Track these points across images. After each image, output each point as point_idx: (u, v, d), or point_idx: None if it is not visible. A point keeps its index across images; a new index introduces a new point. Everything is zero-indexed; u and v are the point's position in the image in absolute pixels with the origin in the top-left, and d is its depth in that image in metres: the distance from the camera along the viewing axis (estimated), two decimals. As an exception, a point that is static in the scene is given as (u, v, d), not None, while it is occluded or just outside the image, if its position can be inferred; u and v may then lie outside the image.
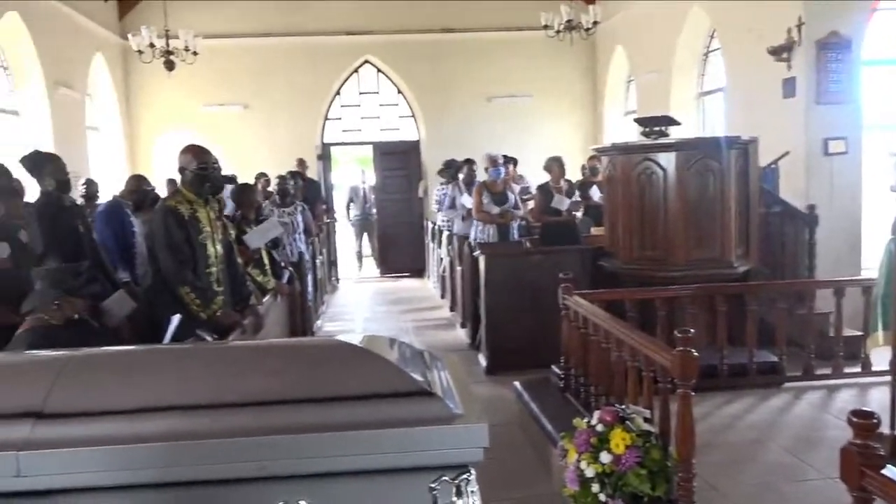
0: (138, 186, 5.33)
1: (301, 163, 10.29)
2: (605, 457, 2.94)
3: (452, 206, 8.43)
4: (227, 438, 1.26)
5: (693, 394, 2.88)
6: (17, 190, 5.16)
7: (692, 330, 2.96)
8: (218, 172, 3.89)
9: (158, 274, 3.73)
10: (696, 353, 2.84)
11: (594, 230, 7.49)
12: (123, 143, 10.95)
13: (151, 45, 8.85)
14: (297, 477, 1.27)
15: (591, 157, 8.52)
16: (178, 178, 3.94)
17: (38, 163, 4.29)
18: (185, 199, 3.75)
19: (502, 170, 7.42)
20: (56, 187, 4.25)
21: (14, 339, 2.86)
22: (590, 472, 2.97)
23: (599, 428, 3.04)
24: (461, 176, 8.43)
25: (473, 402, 1.36)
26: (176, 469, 1.25)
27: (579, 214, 7.51)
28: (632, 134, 10.25)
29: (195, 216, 3.74)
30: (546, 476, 3.96)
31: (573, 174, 8.93)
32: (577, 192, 7.53)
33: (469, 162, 8.51)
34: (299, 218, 7.33)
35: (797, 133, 6.62)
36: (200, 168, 3.74)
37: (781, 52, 6.70)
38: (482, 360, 6.26)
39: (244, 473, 1.26)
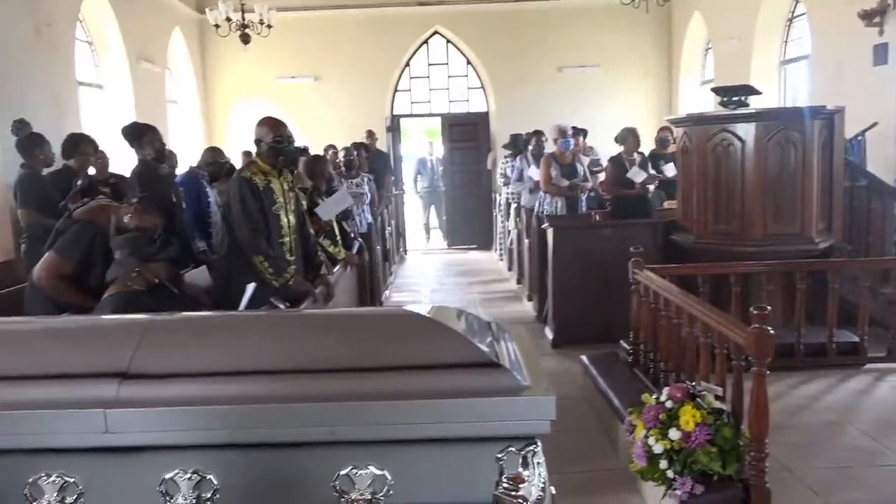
0: (214, 158, 5.51)
1: (370, 134, 10.38)
2: (673, 433, 2.90)
3: (520, 178, 8.37)
4: (299, 403, 1.30)
5: (768, 373, 2.80)
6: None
7: (769, 307, 2.87)
8: (292, 145, 3.97)
9: (234, 243, 3.85)
10: (772, 331, 2.75)
11: (666, 204, 7.30)
12: (200, 116, 11.27)
13: (228, 19, 9.04)
14: (365, 443, 1.30)
15: (662, 129, 8.30)
16: (252, 149, 4.06)
17: (138, 133, 4.63)
18: (260, 170, 3.86)
19: (571, 141, 7.30)
20: (154, 157, 4.58)
21: (100, 304, 3.01)
22: (658, 449, 2.94)
23: (669, 404, 3.00)
24: (530, 148, 8.34)
25: (541, 374, 1.36)
26: (250, 431, 1.30)
27: (652, 188, 7.33)
28: (707, 104, 9.88)
29: (269, 187, 3.84)
30: (612, 451, 3.94)
31: (646, 146, 8.73)
32: (649, 165, 7.35)
33: (537, 133, 8.41)
34: (366, 188, 7.42)
35: (887, 103, 6.27)
36: (276, 141, 3.84)
37: (873, 16, 6.33)
38: (549, 334, 6.24)
39: (315, 438, 1.30)
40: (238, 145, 10.03)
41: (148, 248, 3.15)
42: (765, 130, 4.90)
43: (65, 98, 6.86)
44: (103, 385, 1.34)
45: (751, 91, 5.35)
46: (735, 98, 5.26)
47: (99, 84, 8.52)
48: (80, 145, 4.94)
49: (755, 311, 2.81)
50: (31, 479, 1.31)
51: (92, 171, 5.29)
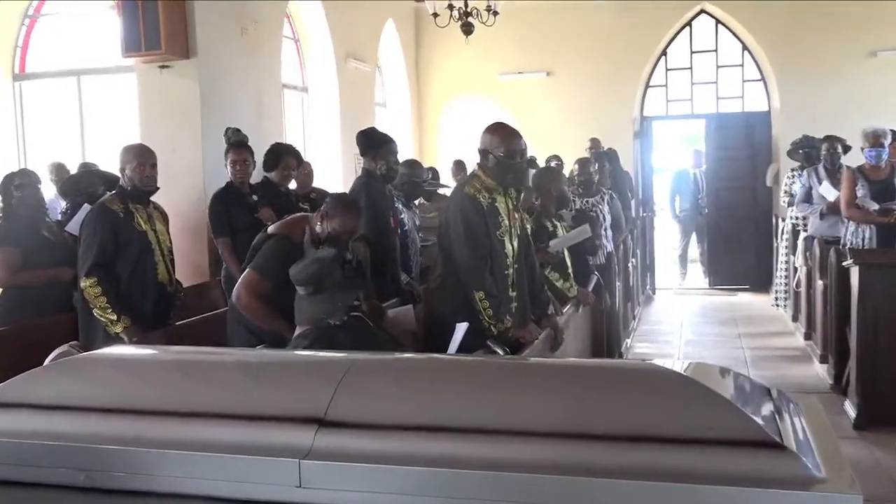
0: (411, 175, 5.67)
1: (595, 144, 10.22)
2: None
3: (809, 198, 7.85)
4: (517, 473, 1.31)
5: None
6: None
7: None
8: (524, 161, 4.03)
9: (448, 274, 3.96)
10: None
11: None
12: (410, 120, 11.93)
13: (450, 6, 9.48)
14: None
15: None
16: (466, 158, 4.19)
17: (378, 141, 5.03)
18: (484, 185, 3.92)
19: (887, 150, 6.72)
20: (385, 174, 4.92)
21: (295, 338, 3.27)
22: None
23: None
24: (822, 158, 7.80)
25: (841, 463, 1.26)
26: (454, 500, 1.33)
27: None
28: None
29: (494, 206, 3.90)
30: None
31: None
32: None
33: (830, 140, 7.83)
34: (606, 209, 7.34)
35: None
36: (507, 155, 3.85)
37: None
38: (850, 410, 5.75)
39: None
40: (449, 152, 10.41)
41: (337, 273, 3.32)
42: None
43: (268, 102, 7.59)
44: (298, 431, 1.45)
45: None
46: None
47: (303, 87, 9.35)
48: (283, 157, 5.37)
49: None
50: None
51: (293, 185, 5.77)
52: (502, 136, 3.91)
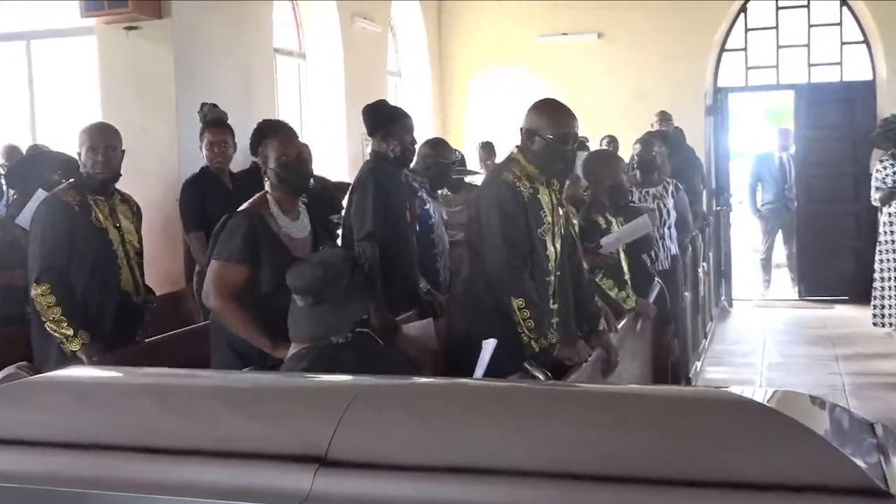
0: (436, 157, 5.64)
1: (663, 117, 10.07)
2: None
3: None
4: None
5: None
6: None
7: None
8: (574, 151, 4.03)
9: (477, 276, 3.96)
10: None
11: None
12: (430, 93, 11.94)
13: (478, -47, 9.50)
14: None
15: None
16: (495, 139, 4.18)
17: (389, 117, 5.01)
18: (525, 173, 3.92)
19: None
20: (399, 155, 4.89)
21: (288, 360, 3.28)
22: None
23: None
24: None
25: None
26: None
27: None
28: None
29: (535, 198, 3.89)
30: None
31: None
32: None
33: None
34: (670, 203, 7.29)
35: None
36: (558, 139, 3.84)
37: None
38: (973, 450, 5.70)
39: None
40: (477, 131, 10.38)
41: (344, 276, 3.31)
42: None
43: (257, 71, 7.59)
44: (295, 472, 1.46)
45: None
46: None
47: (300, 52, 9.37)
48: (272, 136, 5.36)
49: None
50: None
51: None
52: (554, 117, 3.91)
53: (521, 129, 3.97)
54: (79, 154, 4.31)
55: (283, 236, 3.79)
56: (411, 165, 5.60)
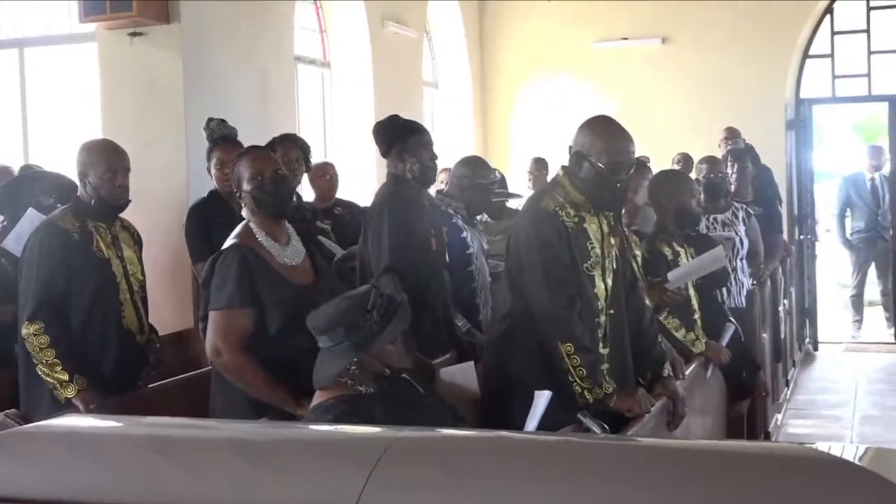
0: (473, 178, 5.55)
1: (731, 134, 9.97)
2: None
3: None
4: None
5: None
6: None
7: None
8: (626, 183, 4.00)
9: (520, 315, 3.94)
10: None
11: None
12: (471, 106, 11.94)
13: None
14: None
15: None
16: (549, 156, 4.15)
17: (401, 132, 4.98)
18: (569, 199, 3.90)
19: None
20: (419, 175, 4.87)
21: (313, 408, 3.28)
22: None
23: None
24: None
25: None
26: None
27: None
28: None
29: (582, 228, 3.87)
30: None
31: None
32: None
33: None
34: (741, 230, 7.24)
35: None
36: (609, 168, 3.80)
37: None
38: None
39: None
40: (523, 149, 10.35)
41: (360, 320, 3.29)
42: None
43: (276, 82, 7.63)
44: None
45: None
46: None
47: (325, 61, 9.41)
48: (277, 147, 5.26)
49: None
50: None
51: (308, 193, 5.77)
52: (607, 140, 3.87)
53: (571, 151, 3.94)
54: (82, 176, 4.32)
55: (279, 267, 3.79)
56: (445, 189, 5.57)
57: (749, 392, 5.96)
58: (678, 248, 5.31)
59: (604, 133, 3.91)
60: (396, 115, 5.09)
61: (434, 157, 5.00)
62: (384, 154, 5.01)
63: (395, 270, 4.58)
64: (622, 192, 4.04)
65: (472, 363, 4.10)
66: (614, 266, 4.00)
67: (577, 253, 3.84)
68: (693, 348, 5.05)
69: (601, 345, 3.92)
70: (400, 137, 4.94)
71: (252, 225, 3.82)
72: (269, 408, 3.64)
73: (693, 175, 7.55)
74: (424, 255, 4.85)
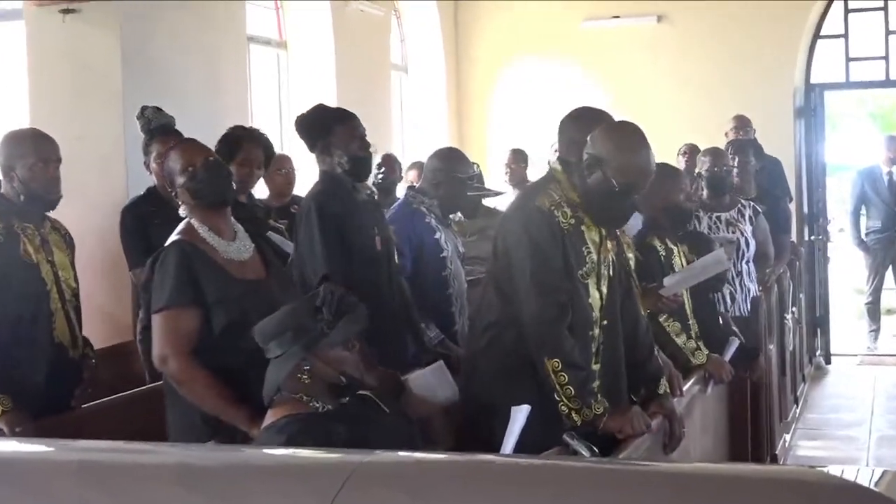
0: (448, 172, 5.51)
1: (741, 123, 9.95)
2: None
3: None
4: None
5: None
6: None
7: None
8: (633, 203, 4.00)
9: (505, 326, 3.94)
10: None
11: None
12: (445, 92, 11.91)
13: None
14: None
15: None
16: (528, 147, 4.15)
17: (321, 126, 4.91)
18: (566, 198, 3.90)
19: None
20: (349, 167, 4.82)
21: (263, 435, 3.28)
22: None
23: None
24: None
25: None
26: None
27: None
28: None
29: (579, 230, 3.88)
30: None
31: None
32: None
33: None
34: (748, 230, 7.27)
35: None
36: (623, 188, 3.79)
37: None
38: None
39: None
40: (503, 140, 10.32)
41: (312, 326, 3.29)
42: None
43: (225, 64, 7.59)
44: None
45: None
46: None
47: (280, 41, 9.36)
48: (242, 145, 5.33)
49: None
50: None
51: (262, 190, 5.74)
52: (630, 157, 3.86)
53: (559, 142, 3.94)
54: (9, 169, 4.28)
55: (223, 262, 3.81)
56: (417, 185, 5.52)
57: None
58: (671, 246, 5.32)
59: (627, 148, 3.88)
60: (319, 105, 5.02)
61: (366, 145, 4.93)
62: (310, 150, 4.96)
63: (331, 279, 4.47)
64: (626, 215, 4.07)
65: (441, 363, 4.04)
66: (610, 273, 4.01)
67: (571, 258, 3.84)
68: (693, 359, 5.03)
69: (593, 360, 3.92)
70: (323, 129, 4.87)
71: (193, 222, 3.84)
72: (224, 426, 3.64)
73: (696, 168, 7.58)
74: (368, 257, 4.79)
